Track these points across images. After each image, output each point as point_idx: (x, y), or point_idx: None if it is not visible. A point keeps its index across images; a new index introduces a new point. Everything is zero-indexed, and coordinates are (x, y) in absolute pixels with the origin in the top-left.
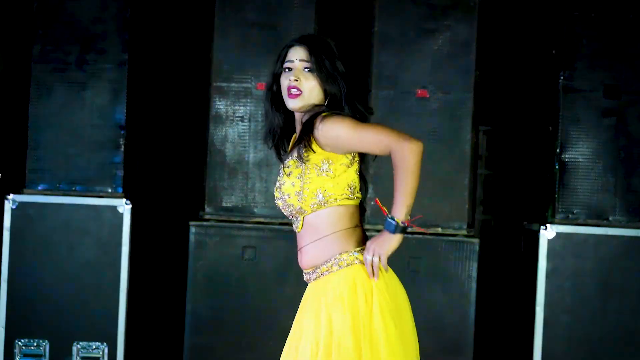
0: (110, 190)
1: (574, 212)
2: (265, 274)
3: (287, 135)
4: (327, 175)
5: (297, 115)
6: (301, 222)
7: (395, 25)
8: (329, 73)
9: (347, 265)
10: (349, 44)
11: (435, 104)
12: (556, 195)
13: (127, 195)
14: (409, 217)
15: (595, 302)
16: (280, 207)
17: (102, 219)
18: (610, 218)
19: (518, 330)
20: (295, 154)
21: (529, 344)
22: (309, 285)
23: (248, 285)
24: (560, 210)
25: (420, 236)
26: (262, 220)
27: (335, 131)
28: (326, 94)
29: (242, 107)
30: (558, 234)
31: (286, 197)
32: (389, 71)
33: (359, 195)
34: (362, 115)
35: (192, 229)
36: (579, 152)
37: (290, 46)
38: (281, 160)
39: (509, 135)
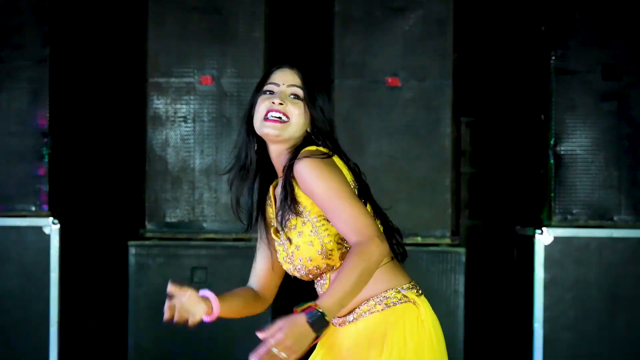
0: (33, 209)
1: (573, 212)
2: None
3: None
4: None
5: (274, 152)
6: (328, 279)
7: (359, 4)
8: (319, 106)
9: (394, 304)
10: (307, 27)
11: (409, 93)
12: (552, 194)
13: (54, 213)
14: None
15: (601, 316)
16: (300, 276)
17: (25, 242)
18: (615, 218)
19: (514, 350)
20: (288, 210)
21: None
22: (337, 330)
23: None
24: (557, 211)
25: None
26: (212, 236)
27: (311, 186)
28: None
29: (184, 106)
30: (556, 239)
31: (308, 262)
32: (353, 57)
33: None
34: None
35: (132, 250)
36: (577, 144)
37: (277, 68)
38: (266, 221)
39: (496, 126)
